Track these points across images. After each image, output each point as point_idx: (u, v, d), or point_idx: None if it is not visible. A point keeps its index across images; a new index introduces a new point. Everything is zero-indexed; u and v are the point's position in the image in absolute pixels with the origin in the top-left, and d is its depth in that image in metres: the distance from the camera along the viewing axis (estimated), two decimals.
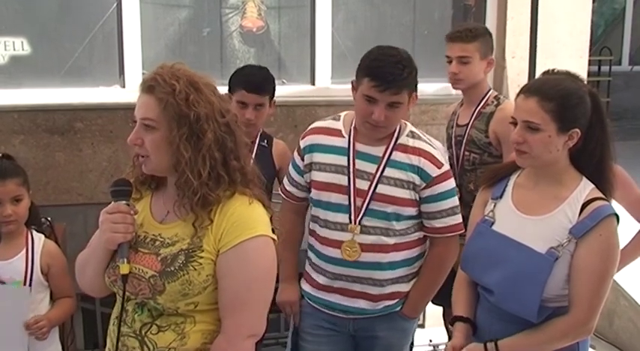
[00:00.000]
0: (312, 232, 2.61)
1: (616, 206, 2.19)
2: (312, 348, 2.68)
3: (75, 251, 2.03)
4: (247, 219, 1.78)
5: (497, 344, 2.13)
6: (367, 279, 2.52)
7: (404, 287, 2.57)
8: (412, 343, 2.79)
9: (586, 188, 2.12)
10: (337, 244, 2.51)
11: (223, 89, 2.10)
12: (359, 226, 2.48)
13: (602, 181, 2.15)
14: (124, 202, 1.82)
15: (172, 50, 4.52)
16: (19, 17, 4.31)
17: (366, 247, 2.48)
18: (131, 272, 1.78)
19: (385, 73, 2.36)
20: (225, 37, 4.65)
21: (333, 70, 4.68)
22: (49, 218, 2.95)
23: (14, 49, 4.29)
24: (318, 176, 2.55)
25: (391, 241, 2.50)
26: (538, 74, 2.51)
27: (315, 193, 2.56)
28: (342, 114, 2.62)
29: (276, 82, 3.13)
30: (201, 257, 1.76)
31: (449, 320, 2.60)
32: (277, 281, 2.06)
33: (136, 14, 4.36)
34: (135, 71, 4.36)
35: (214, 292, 1.77)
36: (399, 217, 2.49)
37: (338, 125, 2.57)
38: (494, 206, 2.24)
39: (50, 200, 4.12)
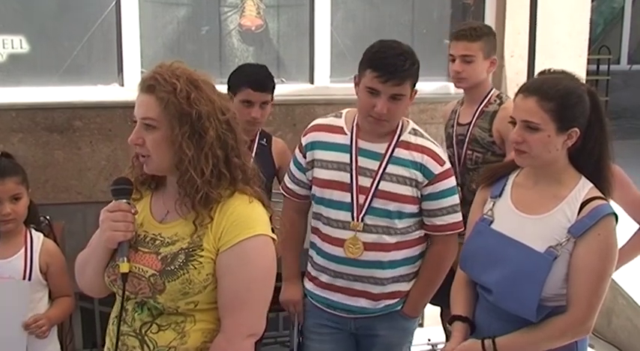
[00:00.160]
0: (315, 230, 2.61)
1: (614, 206, 2.19)
2: (316, 346, 2.68)
3: (74, 250, 2.03)
4: (247, 218, 1.78)
5: (495, 342, 2.13)
6: (368, 277, 2.52)
7: (404, 286, 2.58)
8: (410, 342, 2.79)
9: (585, 187, 2.13)
10: (339, 242, 2.51)
11: (222, 88, 2.09)
12: (361, 223, 2.48)
13: (601, 181, 2.15)
14: (124, 200, 1.81)
15: (171, 49, 4.52)
16: (17, 15, 4.30)
17: (367, 246, 2.49)
18: (131, 271, 1.78)
19: (387, 63, 2.37)
20: (224, 36, 4.65)
21: (332, 68, 4.69)
22: (47, 217, 2.95)
23: (13, 48, 4.29)
24: (320, 174, 2.55)
25: (392, 239, 2.50)
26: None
27: (317, 191, 2.56)
28: (344, 111, 2.62)
29: (275, 80, 3.13)
30: (202, 256, 1.76)
31: (447, 320, 2.60)
32: (278, 280, 2.05)
33: (134, 12, 4.36)
34: (133, 69, 4.36)
35: (214, 291, 1.77)
36: (401, 215, 2.49)
37: (340, 122, 2.57)
38: (493, 205, 2.24)
39: (49, 199, 4.12)
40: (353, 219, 2.48)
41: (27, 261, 2.59)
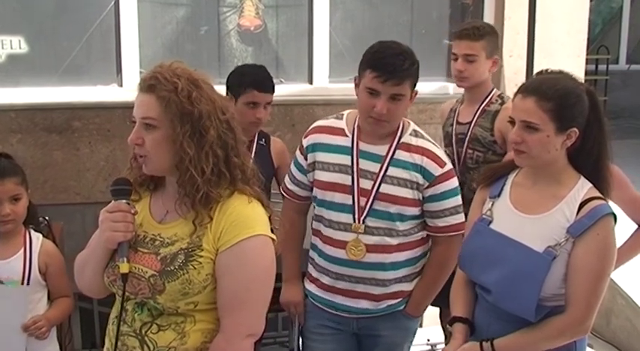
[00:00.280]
0: (316, 232, 2.61)
1: (613, 206, 2.19)
2: (318, 347, 2.68)
3: (73, 250, 2.03)
4: (246, 218, 1.78)
5: (494, 343, 2.13)
6: (370, 279, 2.52)
7: (407, 286, 2.58)
8: (411, 342, 2.79)
9: (584, 187, 2.12)
10: (341, 244, 2.51)
11: (220, 88, 2.09)
12: (363, 226, 2.48)
13: (600, 180, 2.15)
14: (124, 201, 1.81)
15: (170, 49, 4.52)
16: (16, 16, 4.30)
17: (369, 248, 2.48)
18: (131, 272, 1.78)
19: (386, 63, 2.37)
20: (223, 36, 4.65)
21: (330, 69, 4.69)
22: (46, 217, 2.94)
23: (12, 48, 4.29)
24: (321, 176, 2.54)
25: (394, 241, 2.50)
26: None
27: (319, 193, 2.56)
28: (345, 112, 2.61)
29: (274, 80, 3.13)
30: (201, 256, 1.76)
31: (446, 321, 2.60)
32: (278, 281, 2.05)
33: (133, 13, 4.36)
34: (132, 70, 4.36)
35: (214, 292, 1.78)
36: (402, 218, 2.49)
37: (341, 124, 2.57)
38: (492, 205, 2.24)
39: (48, 199, 4.12)
40: (354, 221, 2.48)
41: (26, 261, 2.59)
